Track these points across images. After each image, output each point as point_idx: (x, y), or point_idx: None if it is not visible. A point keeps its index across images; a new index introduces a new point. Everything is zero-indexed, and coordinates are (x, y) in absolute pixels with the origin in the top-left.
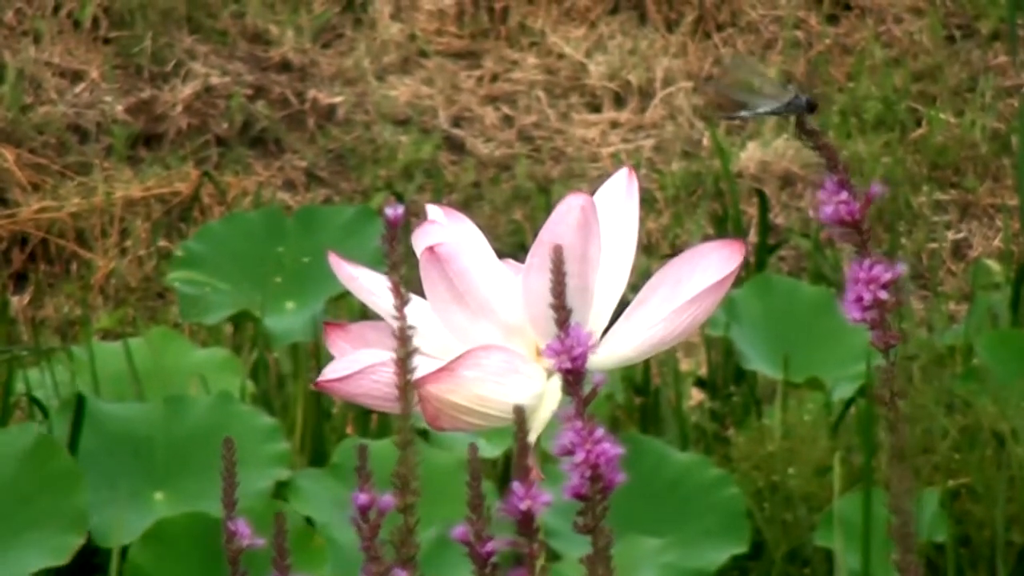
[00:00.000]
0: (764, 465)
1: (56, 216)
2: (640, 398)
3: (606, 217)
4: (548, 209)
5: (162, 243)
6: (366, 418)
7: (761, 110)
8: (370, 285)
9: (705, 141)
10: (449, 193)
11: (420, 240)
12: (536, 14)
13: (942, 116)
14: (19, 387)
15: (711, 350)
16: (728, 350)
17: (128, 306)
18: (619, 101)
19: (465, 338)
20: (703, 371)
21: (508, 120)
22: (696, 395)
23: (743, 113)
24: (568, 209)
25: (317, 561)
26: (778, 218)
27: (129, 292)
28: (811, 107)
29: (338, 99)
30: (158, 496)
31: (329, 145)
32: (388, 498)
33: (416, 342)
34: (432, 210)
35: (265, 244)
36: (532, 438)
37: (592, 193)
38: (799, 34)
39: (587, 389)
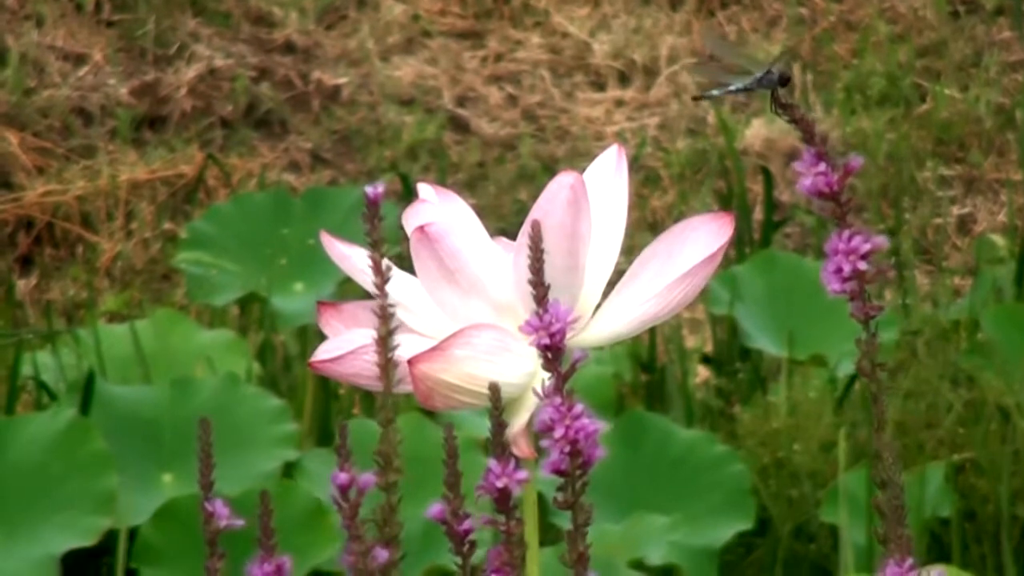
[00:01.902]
0: (769, 441)
1: (61, 199)
2: (646, 375)
3: (596, 194)
4: None
5: (167, 226)
6: (372, 398)
7: (733, 87)
8: (363, 264)
9: (710, 119)
10: (454, 173)
11: (410, 220)
12: None
13: (947, 91)
14: (26, 370)
15: (716, 327)
16: (733, 327)
17: (134, 288)
18: (623, 80)
19: (456, 317)
20: (709, 348)
21: (512, 100)
22: (703, 372)
23: (714, 92)
24: (558, 187)
25: (328, 540)
26: (783, 195)
27: (135, 274)
28: (783, 81)
29: (342, 80)
30: (166, 478)
31: (334, 126)
32: (368, 476)
33: (407, 321)
34: (423, 189)
35: (272, 225)
36: (525, 417)
37: None
38: (803, 11)
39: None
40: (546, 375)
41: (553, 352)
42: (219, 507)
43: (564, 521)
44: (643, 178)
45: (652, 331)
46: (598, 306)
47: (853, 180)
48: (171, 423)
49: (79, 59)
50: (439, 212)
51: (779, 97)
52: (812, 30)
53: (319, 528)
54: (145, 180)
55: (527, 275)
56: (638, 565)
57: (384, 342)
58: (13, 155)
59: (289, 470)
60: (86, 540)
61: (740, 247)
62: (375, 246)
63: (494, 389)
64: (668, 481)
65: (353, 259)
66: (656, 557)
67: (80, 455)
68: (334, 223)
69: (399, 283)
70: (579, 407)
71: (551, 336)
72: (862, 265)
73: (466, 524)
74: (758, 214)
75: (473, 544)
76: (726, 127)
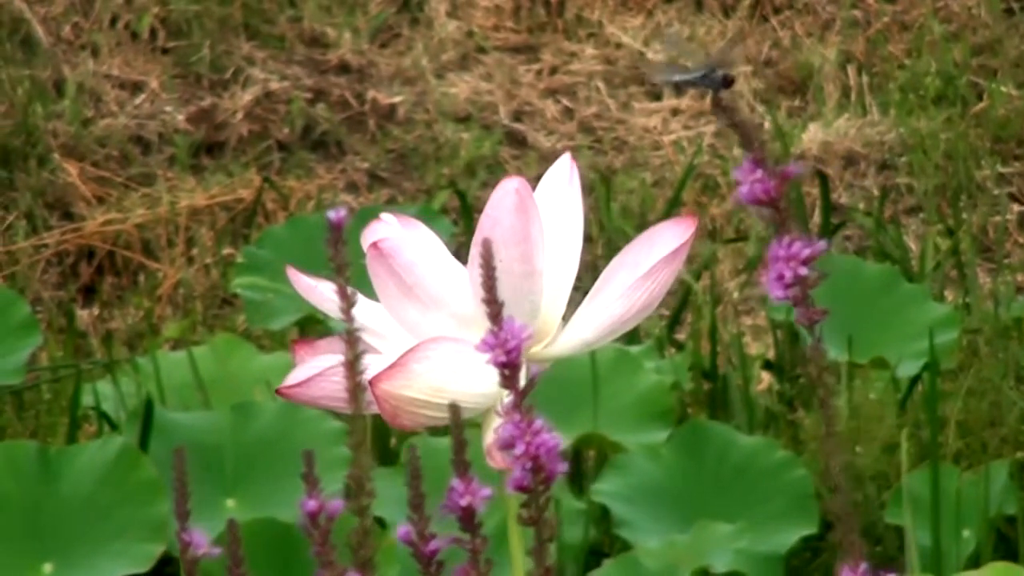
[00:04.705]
0: None
1: (122, 228)
2: (708, 384)
3: (550, 205)
4: (610, 199)
5: (227, 251)
6: None
7: (677, 78)
8: (329, 294)
9: (766, 124)
10: None
11: (366, 238)
12: (593, 5)
13: (1003, 89)
14: (87, 400)
15: (777, 332)
16: (794, 332)
17: (195, 315)
18: (678, 88)
19: (418, 332)
20: (771, 354)
21: (569, 112)
22: (765, 378)
23: (661, 77)
24: (504, 193)
25: (387, 561)
26: (842, 198)
27: (196, 301)
28: (727, 83)
29: (398, 99)
30: (230, 503)
31: (390, 145)
32: (337, 503)
33: (376, 345)
34: (386, 216)
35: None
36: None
37: (655, 182)
38: (857, 13)
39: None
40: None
41: (510, 369)
42: (196, 537)
43: (628, 533)
44: (701, 186)
45: (713, 339)
46: (566, 317)
47: (910, 180)
48: (233, 448)
49: (135, 87)
50: (394, 229)
51: (719, 99)
52: (866, 32)
53: (379, 547)
54: (204, 206)
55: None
56: (704, 574)
57: (352, 366)
58: (73, 185)
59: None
60: (140, 567)
61: None
62: (339, 271)
63: (454, 408)
64: (731, 488)
65: (318, 289)
66: (722, 565)
67: (131, 483)
68: None
69: (366, 309)
70: (539, 422)
71: (507, 353)
72: (803, 271)
73: (432, 545)
74: (816, 218)
75: (441, 564)
76: (781, 133)
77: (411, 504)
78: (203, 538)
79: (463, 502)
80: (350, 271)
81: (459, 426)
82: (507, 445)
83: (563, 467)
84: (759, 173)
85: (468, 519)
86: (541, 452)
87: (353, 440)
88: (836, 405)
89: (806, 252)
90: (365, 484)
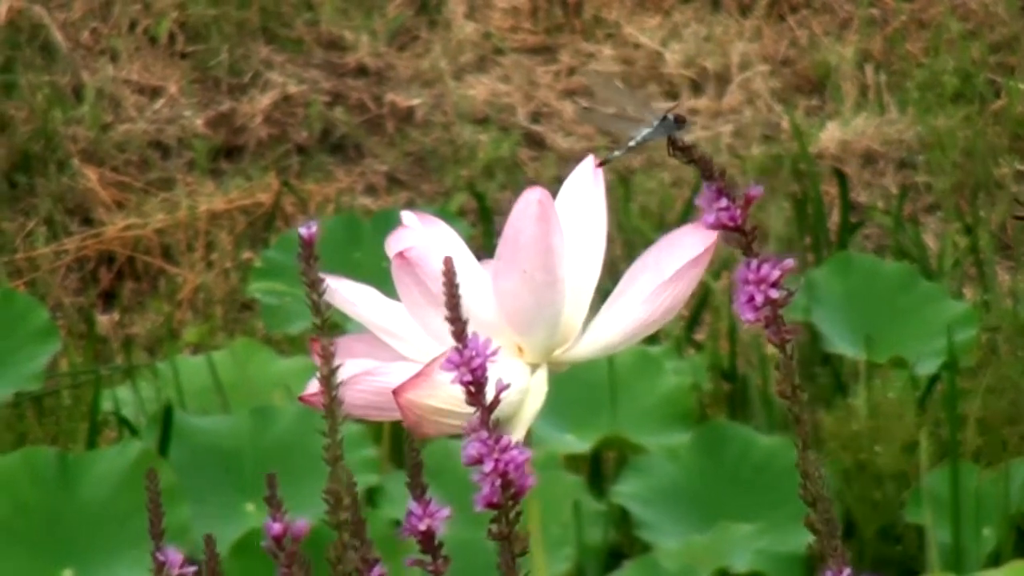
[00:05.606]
0: (851, 444)
1: (141, 233)
2: (728, 385)
3: (574, 207)
4: (629, 200)
5: (247, 255)
6: None
7: (633, 143)
8: (350, 296)
9: (784, 124)
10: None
11: (392, 246)
12: (610, 5)
13: (1021, 86)
14: (108, 405)
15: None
16: (813, 331)
17: (215, 319)
18: (696, 88)
19: (444, 340)
20: None
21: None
22: None
23: (617, 153)
24: (526, 204)
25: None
26: (860, 197)
27: (216, 305)
28: (679, 123)
29: (416, 101)
30: (249, 507)
31: (409, 148)
32: (302, 523)
33: (400, 349)
34: (407, 217)
35: (344, 250)
36: (519, 435)
37: (673, 182)
38: (874, 12)
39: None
40: (543, 391)
41: (476, 386)
42: (171, 555)
43: (648, 534)
44: None
45: (732, 340)
46: (588, 320)
47: (928, 179)
48: (252, 452)
49: (154, 92)
50: (420, 237)
51: (677, 141)
52: (884, 30)
53: (401, 551)
54: (223, 210)
55: (512, 295)
56: (723, 575)
57: (326, 381)
58: (92, 191)
59: (372, 494)
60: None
61: (817, 251)
62: (312, 286)
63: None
64: (751, 489)
65: (340, 291)
66: (742, 565)
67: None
68: None
69: (385, 309)
70: (506, 439)
71: (472, 371)
72: (773, 293)
73: (376, 570)
74: (835, 217)
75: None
76: (799, 132)
77: (351, 532)
78: (178, 556)
79: (421, 526)
80: (323, 287)
81: (413, 447)
82: (475, 462)
83: (532, 481)
84: (723, 201)
85: (428, 542)
86: (510, 468)
87: (330, 454)
88: (853, 405)
89: (775, 274)
90: (343, 498)
